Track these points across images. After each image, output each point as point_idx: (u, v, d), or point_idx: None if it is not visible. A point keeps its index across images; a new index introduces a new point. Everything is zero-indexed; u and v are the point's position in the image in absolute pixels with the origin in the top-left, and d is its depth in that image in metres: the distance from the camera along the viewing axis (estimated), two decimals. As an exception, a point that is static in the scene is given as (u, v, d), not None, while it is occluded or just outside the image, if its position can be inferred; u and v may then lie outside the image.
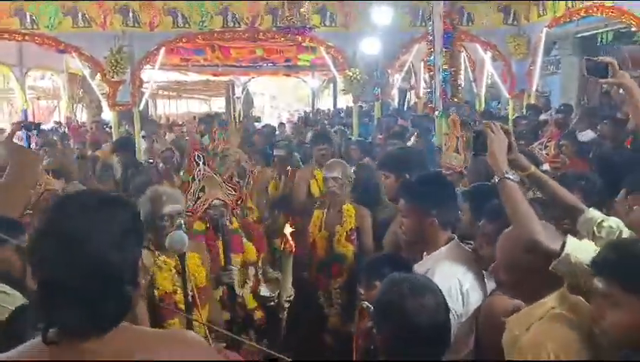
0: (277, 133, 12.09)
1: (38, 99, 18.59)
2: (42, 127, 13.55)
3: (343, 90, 11.18)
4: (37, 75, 16.46)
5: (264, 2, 10.17)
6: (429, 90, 14.42)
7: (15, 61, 13.84)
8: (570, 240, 1.84)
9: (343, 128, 10.65)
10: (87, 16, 9.91)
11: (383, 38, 10.18)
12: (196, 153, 3.72)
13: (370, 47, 10.24)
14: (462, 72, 10.82)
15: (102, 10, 9.90)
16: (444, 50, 7.33)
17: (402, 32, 10.44)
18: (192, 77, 19.00)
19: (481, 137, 2.14)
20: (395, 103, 15.26)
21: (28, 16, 9.86)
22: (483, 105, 12.77)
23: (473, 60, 12.29)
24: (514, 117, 9.89)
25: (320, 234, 4.41)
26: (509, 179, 2.00)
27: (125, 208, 1.38)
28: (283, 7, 9.43)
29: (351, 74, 10.44)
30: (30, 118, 15.28)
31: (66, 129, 14.28)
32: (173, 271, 3.05)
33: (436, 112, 7.41)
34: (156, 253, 3.08)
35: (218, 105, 22.93)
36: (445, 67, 7.36)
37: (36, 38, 10.18)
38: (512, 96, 10.96)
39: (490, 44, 10.66)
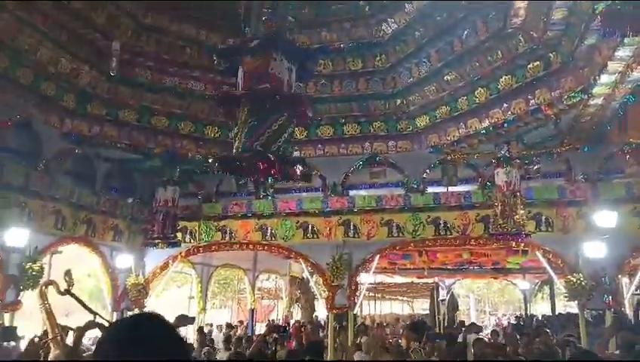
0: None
1: (262, 298, 20.76)
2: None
3: (567, 296, 10.32)
4: (263, 278, 18.62)
5: (474, 212, 10.56)
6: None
7: (250, 266, 16.13)
8: None
9: (571, 339, 9.59)
10: (316, 228, 11.38)
11: (609, 242, 9.50)
12: None
13: (594, 251, 9.59)
14: None
15: (328, 225, 11.27)
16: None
17: (631, 235, 9.67)
18: (397, 279, 19.48)
19: None
20: (627, 311, 13.39)
21: (269, 231, 11.72)
22: None
23: None
24: None
25: None
26: None
27: None
28: (496, 216, 9.55)
29: (574, 279, 9.71)
30: (255, 316, 17.07)
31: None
32: None
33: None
34: None
35: (421, 306, 22.75)
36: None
37: (273, 248, 11.94)
38: None
39: None
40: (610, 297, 9.93)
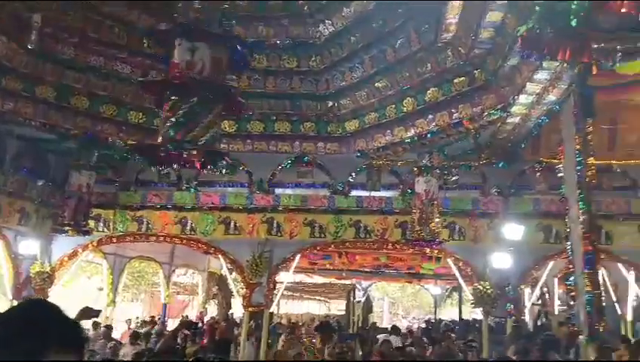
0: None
1: (178, 294, 20.19)
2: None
3: (473, 303, 10.87)
4: (180, 272, 18.12)
5: (394, 217, 10.88)
6: (564, 307, 13.60)
7: (167, 259, 15.64)
8: None
9: (473, 344, 10.12)
10: (238, 225, 11.22)
11: (514, 254, 10.11)
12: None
13: (501, 261, 10.17)
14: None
15: (251, 221, 11.16)
16: (585, 271, 7.08)
17: (535, 248, 10.36)
18: (316, 279, 19.68)
19: None
20: (527, 319, 14.34)
21: (189, 224, 11.41)
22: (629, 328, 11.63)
23: (615, 281, 11.56)
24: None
25: None
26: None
27: None
28: (413, 223, 9.88)
29: (481, 287, 10.25)
30: (168, 312, 16.59)
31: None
32: None
33: (581, 337, 6.91)
34: None
35: (337, 307, 23.09)
36: (588, 289, 7.03)
37: (192, 242, 11.66)
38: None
39: (633, 263, 10.13)
40: (512, 306, 10.58)
